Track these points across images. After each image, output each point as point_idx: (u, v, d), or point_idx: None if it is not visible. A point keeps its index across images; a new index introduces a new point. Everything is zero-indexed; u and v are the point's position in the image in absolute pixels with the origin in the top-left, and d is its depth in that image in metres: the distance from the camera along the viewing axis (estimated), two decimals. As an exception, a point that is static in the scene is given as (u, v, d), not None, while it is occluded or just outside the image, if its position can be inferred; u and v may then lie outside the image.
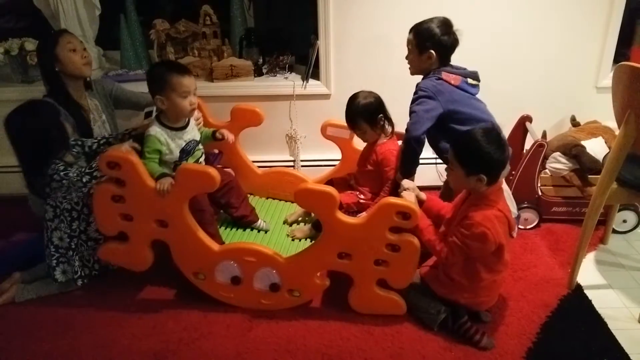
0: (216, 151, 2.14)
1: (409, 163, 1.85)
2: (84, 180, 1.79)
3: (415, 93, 1.84)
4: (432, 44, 1.81)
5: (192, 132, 1.91)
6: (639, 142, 1.68)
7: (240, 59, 2.57)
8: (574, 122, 2.48)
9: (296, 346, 1.72)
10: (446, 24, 1.83)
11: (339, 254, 1.72)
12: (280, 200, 2.32)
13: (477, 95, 1.91)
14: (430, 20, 1.84)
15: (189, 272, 1.86)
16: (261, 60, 2.64)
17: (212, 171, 1.68)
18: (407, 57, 1.92)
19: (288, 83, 2.53)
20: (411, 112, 1.82)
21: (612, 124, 2.22)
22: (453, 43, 1.84)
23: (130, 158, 1.69)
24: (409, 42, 1.88)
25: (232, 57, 2.56)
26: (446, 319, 1.74)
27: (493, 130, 1.60)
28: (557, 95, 2.51)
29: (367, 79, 2.46)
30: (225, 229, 2.07)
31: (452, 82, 1.81)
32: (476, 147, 1.56)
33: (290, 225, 2.13)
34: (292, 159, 2.70)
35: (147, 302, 1.94)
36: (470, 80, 1.88)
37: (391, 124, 2.01)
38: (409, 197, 1.69)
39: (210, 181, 1.67)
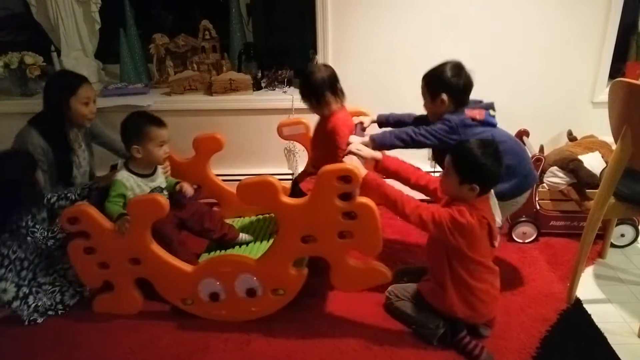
0: (195, 186, 2.16)
1: (389, 140, 1.83)
2: (49, 244, 1.86)
3: (440, 122, 1.81)
4: (443, 88, 1.80)
5: (159, 180, 1.98)
6: (636, 157, 1.68)
7: (239, 73, 2.59)
8: (571, 137, 2.49)
9: (294, 360, 1.70)
10: (457, 67, 1.81)
11: (302, 238, 1.70)
12: (269, 214, 2.28)
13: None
14: (440, 65, 1.84)
15: (177, 300, 1.88)
16: (260, 75, 2.66)
17: (158, 196, 1.74)
18: (424, 106, 1.90)
19: (287, 97, 2.55)
20: (431, 128, 1.80)
21: (608, 138, 2.23)
22: (465, 84, 1.82)
23: (86, 210, 1.75)
24: (422, 90, 1.88)
25: (231, 71, 2.59)
26: (445, 334, 1.73)
27: (492, 144, 1.61)
28: (553, 110, 2.53)
29: (365, 92, 2.48)
30: (212, 253, 2.05)
31: (478, 117, 1.80)
32: (474, 158, 1.57)
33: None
34: (291, 172, 2.70)
35: (142, 316, 1.92)
36: (491, 112, 1.88)
37: (337, 98, 1.98)
38: (349, 161, 1.68)
39: (158, 206, 1.71)
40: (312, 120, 2.14)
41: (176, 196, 2.02)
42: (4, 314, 1.92)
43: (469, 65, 2.42)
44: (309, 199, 1.65)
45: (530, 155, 2.14)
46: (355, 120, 2.04)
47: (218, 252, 2.04)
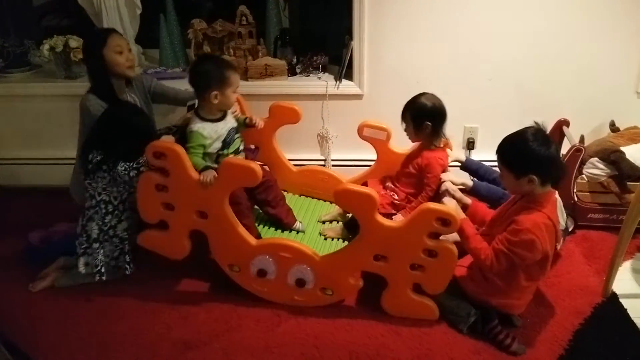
0: (253, 146, 2.18)
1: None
2: (131, 174, 1.83)
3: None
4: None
5: (230, 122, 1.98)
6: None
7: (275, 58, 2.60)
8: (613, 128, 2.42)
9: (323, 342, 1.73)
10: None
11: (375, 255, 1.72)
12: (313, 198, 2.34)
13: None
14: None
15: (225, 264, 1.89)
16: (295, 60, 2.67)
17: (255, 166, 1.71)
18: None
19: (321, 83, 2.55)
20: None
21: (653, 130, 2.16)
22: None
23: (175, 148, 1.73)
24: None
25: (267, 56, 2.60)
26: (476, 322, 1.72)
27: (537, 129, 1.57)
28: (596, 100, 2.45)
29: (401, 80, 2.47)
30: (259, 225, 2.10)
31: None
32: (520, 148, 1.54)
33: (324, 223, 2.14)
34: (323, 158, 2.72)
35: (180, 294, 1.99)
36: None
37: (439, 137, 1.97)
38: (449, 203, 1.69)
39: (253, 176, 1.70)
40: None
41: (246, 153, 2.05)
42: (43, 286, 2.02)
43: (509, 54, 2.39)
44: (401, 226, 1.67)
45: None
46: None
47: (266, 227, 2.08)
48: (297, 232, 2.09)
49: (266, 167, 2.23)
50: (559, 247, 1.68)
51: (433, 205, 1.63)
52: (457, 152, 2.10)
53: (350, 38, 2.46)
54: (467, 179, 1.98)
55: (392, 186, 2.07)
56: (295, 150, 2.64)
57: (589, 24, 2.33)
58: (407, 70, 2.47)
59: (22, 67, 2.76)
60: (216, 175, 1.74)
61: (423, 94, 1.96)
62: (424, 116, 1.92)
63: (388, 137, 2.15)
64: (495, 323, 1.70)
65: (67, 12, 2.96)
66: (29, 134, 2.75)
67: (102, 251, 1.96)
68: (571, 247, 2.20)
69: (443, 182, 1.90)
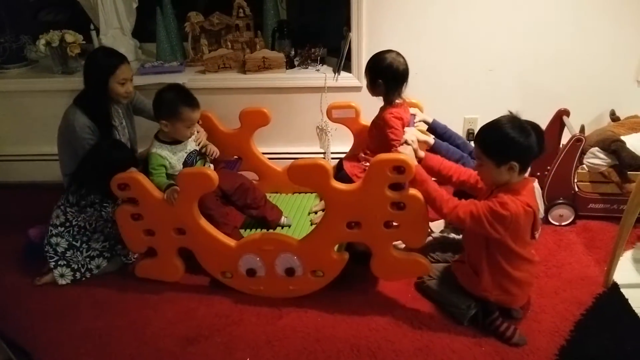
0: (235, 157, 2.19)
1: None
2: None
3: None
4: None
5: (191, 145, 2.02)
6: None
7: (273, 51, 2.58)
8: (614, 117, 2.40)
9: (325, 335, 1.73)
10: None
11: (348, 223, 1.71)
12: (306, 193, 2.33)
13: None
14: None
15: (216, 273, 1.92)
16: (293, 53, 2.65)
17: (208, 171, 1.75)
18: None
19: (319, 75, 2.54)
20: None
21: (654, 119, 2.14)
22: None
23: (135, 176, 1.79)
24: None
25: (265, 49, 2.58)
26: (476, 314, 1.72)
27: (515, 118, 1.56)
28: (596, 89, 2.44)
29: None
30: (250, 230, 2.11)
31: None
32: (500, 135, 1.53)
33: (316, 214, 2.15)
34: (323, 150, 2.71)
35: (180, 288, 1.99)
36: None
37: (394, 95, 1.98)
38: (403, 151, 1.67)
39: (208, 180, 1.73)
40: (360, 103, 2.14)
41: (226, 164, 2.08)
42: (46, 281, 2.02)
43: (509, 44, 2.37)
44: (360, 186, 1.65)
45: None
46: (410, 110, 2.04)
47: (255, 230, 2.09)
48: (284, 227, 2.11)
49: (240, 173, 2.23)
50: (537, 235, 1.67)
51: (384, 155, 1.61)
52: (423, 114, 2.07)
53: (349, 30, 2.44)
54: (429, 138, 1.95)
55: (364, 155, 2.07)
56: (294, 143, 2.64)
57: (588, 13, 2.30)
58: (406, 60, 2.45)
59: (18, 62, 2.75)
60: (178, 190, 1.78)
61: (389, 50, 1.96)
62: (378, 73, 1.93)
63: (357, 113, 2.17)
64: (496, 315, 1.69)
65: (63, 6, 2.94)
66: (26, 130, 2.75)
67: (77, 256, 2.00)
68: (572, 237, 2.19)
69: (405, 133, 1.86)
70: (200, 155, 2.06)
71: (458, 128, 2.58)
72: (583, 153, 2.23)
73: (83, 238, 2.02)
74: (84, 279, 2.03)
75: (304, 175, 1.68)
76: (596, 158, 2.22)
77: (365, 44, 2.44)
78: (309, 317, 1.82)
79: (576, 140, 2.12)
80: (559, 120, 2.32)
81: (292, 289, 1.88)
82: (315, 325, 1.78)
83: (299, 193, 2.35)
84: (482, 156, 1.59)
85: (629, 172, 2.16)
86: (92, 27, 2.66)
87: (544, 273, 1.95)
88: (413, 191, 1.62)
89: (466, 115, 2.57)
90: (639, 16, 2.29)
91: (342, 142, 2.65)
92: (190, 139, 2.02)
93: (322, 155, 2.70)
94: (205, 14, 2.69)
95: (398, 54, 1.95)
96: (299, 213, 2.20)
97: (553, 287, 1.90)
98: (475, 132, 2.54)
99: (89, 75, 2.07)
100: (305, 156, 2.51)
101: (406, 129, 1.89)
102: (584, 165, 2.25)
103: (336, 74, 2.52)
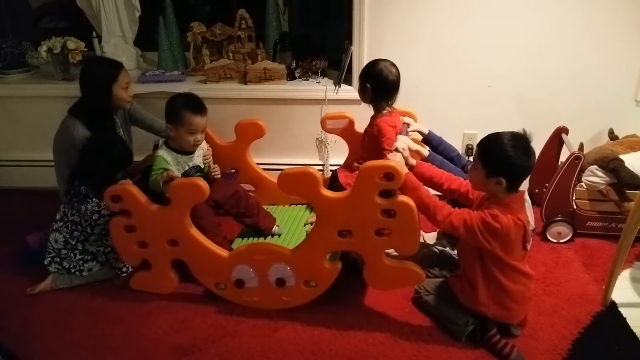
0: (233, 170, 2.20)
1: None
2: (94, 217, 1.93)
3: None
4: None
5: (197, 160, 2.04)
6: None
7: (274, 62, 2.59)
8: (612, 136, 2.41)
9: (321, 349, 1.72)
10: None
11: (339, 232, 1.70)
12: (302, 205, 2.33)
13: None
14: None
15: (210, 284, 1.91)
16: (294, 65, 2.66)
17: (199, 181, 1.75)
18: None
19: (320, 87, 2.54)
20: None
21: (652, 138, 2.16)
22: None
23: (127, 188, 1.79)
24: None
25: (266, 60, 2.59)
26: (474, 331, 1.71)
27: (522, 137, 1.57)
28: (595, 108, 2.45)
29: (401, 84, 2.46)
30: (244, 239, 2.10)
31: None
32: (500, 150, 1.54)
33: (312, 225, 2.14)
34: (322, 162, 2.71)
35: (176, 298, 1.97)
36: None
37: (384, 103, 2.00)
38: (393, 158, 1.67)
39: (199, 191, 1.73)
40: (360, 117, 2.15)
41: (225, 178, 2.10)
42: (41, 289, 2.00)
43: (509, 61, 2.39)
44: (349, 193, 1.64)
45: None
46: (404, 120, 2.05)
47: (250, 239, 2.08)
48: (274, 235, 2.11)
49: (233, 182, 2.23)
50: (528, 247, 1.67)
51: (373, 162, 1.60)
52: (418, 125, 2.07)
53: (350, 43, 2.46)
54: (424, 149, 1.95)
55: (357, 165, 2.07)
56: (294, 154, 2.64)
57: (588, 32, 2.33)
58: (406, 75, 2.44)
59: (19, 68, 2.75)
60: (170, 174, 1.84)
61: (384, 59, 1.98)
62: (367, 78, 1.96)
63: (351, 122, 2.18)
64: (493, 332, 1.68)
65: (66, 13, 2.96)
66: (25, 136, 2.74)
67: (71, 256, 1.99)
68: (570, 255, 2.19)
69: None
70: (200, 172, 2.06)
71: (457, 143, 2.58)
72: (582, 171, 2.24)
73: (80, 237, 1.98)
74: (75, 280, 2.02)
75: (294, 184, 1.67)
76: (595, 176, 2.22)
77: (366, 57, 2.45)
78: (305, 330, 1.80)
79: (575, 158, 2.13)
80: (557, 137, 2.33)
81: (286, 299, 1.86)
82: (312, 338, 1.76)
83: (295, 205, 2.34)
84: (477, 161, 1.60)
85: (627, 191, 2.16)
86: (94, 34, 2.67)
87: (542, 290, 1.95)
88: (403, 198, 1.61)
89: (465, 130, 2.58)
90: (638, 36, 2.32)
91: (341, 154, 2.64)
92: (197, 155, 2.04)
93: (321, 167, 2.70)
94: (207, 24, 2.71)
95: (392, 64, 1.97)
96: (295, 224, 2.18)
97: (551, 305, 1.89)
98: (475, 147, 2.59)
99: (90, 87, 2.06)
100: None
101: (398, 136, 1.89)
102: (583, 183, 2.26)
103: (337, 86, 2.53)
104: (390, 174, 1.55)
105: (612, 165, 2.17)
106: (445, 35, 2.38)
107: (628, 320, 1.81)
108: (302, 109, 2.53)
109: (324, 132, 2.61)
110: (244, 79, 2.57)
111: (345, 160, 2.28)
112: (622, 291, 1.95)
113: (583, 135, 2.42)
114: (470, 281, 1.69)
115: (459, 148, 2.60)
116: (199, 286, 1.98)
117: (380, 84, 1.95)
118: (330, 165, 2.69)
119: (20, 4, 2.96)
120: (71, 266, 2.00)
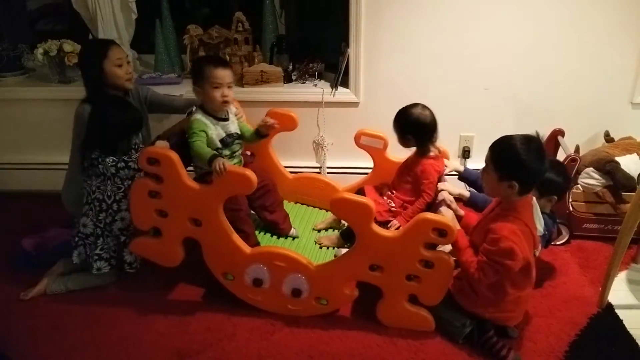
0: (248, 153, 2.15)
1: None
2: (119, 166, 1.86)
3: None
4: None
5: (233, 126, 1.96)
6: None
7: (271, 65, 2.59)
8: (608, 138, 2.42)
9: (318, 352, 1.72)
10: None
11: (371, 265, 1.71)
12: (309, 205, 2.33)
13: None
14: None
15: (219, 272, 1.87)
16: (291, 67, 2.66)
17: (250, 174, 1.68)
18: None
19: (317, 90, 2.55)
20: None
21: (647, 140, 2.17)
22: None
23: (169, 155, 1.70)
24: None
25: (263, 63, 2.59)
26: (472, 333, 1.71)
27: (535, 140, 1.55)
28: (591, 110, 2.46)
29: (397, 88, 2.47)
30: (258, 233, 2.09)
31: None
32: (513, 153, 1.52)
33: (319, 232, 2.13)
34: (319, 165, 2.71)
35: (173, 302, 1.97)
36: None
37: (428, 147, 1.98)
38: (447, 214, 1.68)
39: (248, 184, 1.68)
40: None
41: (245, 158, 2.06)
42: (34, 294, 1.98)
43: (505, 63, 2.39)
44: (398, 236, 1.65)
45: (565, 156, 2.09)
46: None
47: (262, 234, 2.07)
48: (293, 238, 2.08)
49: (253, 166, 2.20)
50: (537, 253, 1.67)
51: (430, 215, 1.62)
52: (455, 163, 2.09)
53: (347, 45, 2.46)
54: (463, 189, 1.97)
55: (390, 194, 2.06)
56: (290, 157, 2.63)
57: (584, 35, 2.34)
58: (403, 78, 2.48)
59: (15, 71, 2.74)
60: (226, 162, 1.70)
61: (414, 105, 1.95)
62: (407, 129, 1.94)
63: (385, 145, 2.14)
64: (491, 334, 1.68)
65: (62, 16, 2.95)
66: (21, 139, 2.73)
67: (99, 244, 1.95)
68: (566, 257, 2.20)
69: (440, 191, 1.89)
70: (239, 139, 1.99)
71: (454, 145, 2.59)
72: (578, 173, 2.25)
73: (106, 219, 1.94)
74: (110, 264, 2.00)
75: (347, 210, 1.66)
76: (591, 178, 2.23)
77: (363, 60, 2.46)
78: (302, 334, 1.80)
79: (571, 160, 2.14)
80: (554, 140, 2.33)
81: (291, 308, 1.85)
82: (309, 342, 1.76)
83: (301, 204, 2.33)
84: (489, 165, 1.59)
85: (623, 193, 2.17)
86: (90, 37, 2.66)
87: (538, 292, 1.95)
88: (445, 256, 1.64)
89: (462, 132, 2.58)
90: (633, 39, 2.33)
91: (338, 158, 2.66)
92: (232, 121, 1.96)
93: (317, 170, 2.70)
94: (204, 27, 2.70)
95: (424, 107, 1.95)
96: (302, 226, 2.17)
97: (548, 307, 1.90)
98: (471, 150, 2.60)
99: (83, 68, 2.03)
100: (301, 170, 2.50)
101: (440, 184, 1.91)
102: (579, 185, 2.26)
103: (333, 89, 2.53)
104: (444, 231, 1.57)
105: (608, 168, 2.18)
106: (442, 37, 2.39)
107: (624, 322, 1.82)
108: (299, 112, 2.51)
109: (321, 134, 2.62)
110: (241, 82, 2.57)
111: (370, 178, 2.22)
112: (618, 293, 1.96)
113: (579, 138, 2.43)
114: (472, 284, 1.68)
115: (456, 150, 2.61)
116: (196, 290, 1.98)
117: (420, 132, 1.94)
118: (327, 168, 2.69)
119: (16, 7, 2.95)
120: (87, 257, 1.97)
